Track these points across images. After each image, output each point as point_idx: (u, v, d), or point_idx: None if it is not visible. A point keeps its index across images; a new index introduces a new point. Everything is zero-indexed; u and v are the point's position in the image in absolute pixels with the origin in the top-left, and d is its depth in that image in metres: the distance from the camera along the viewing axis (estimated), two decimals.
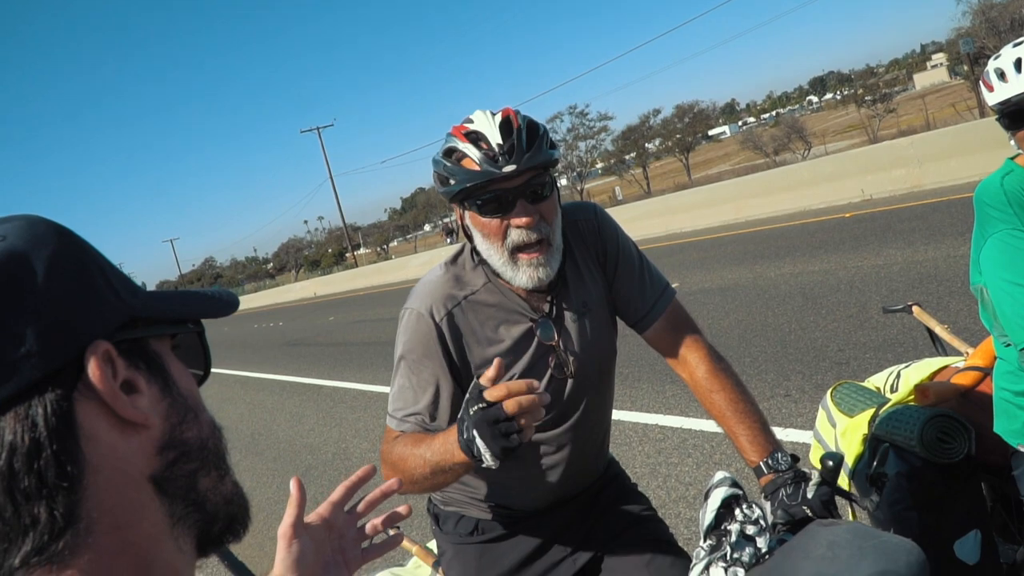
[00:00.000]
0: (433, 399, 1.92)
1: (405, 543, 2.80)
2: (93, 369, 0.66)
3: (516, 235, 1.87)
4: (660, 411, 6.46)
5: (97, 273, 0.71)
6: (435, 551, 2.53)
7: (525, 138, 1.84)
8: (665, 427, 6.06)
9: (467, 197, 1.89)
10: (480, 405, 1.53)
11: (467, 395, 1.59)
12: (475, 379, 1.60)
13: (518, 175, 1.83)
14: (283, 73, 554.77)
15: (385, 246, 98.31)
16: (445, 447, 1.68)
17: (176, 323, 0.79)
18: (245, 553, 6.48)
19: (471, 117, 1.92)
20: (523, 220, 1.85)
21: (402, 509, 1.43)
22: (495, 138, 1.83)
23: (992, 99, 2.36)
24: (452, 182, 1.88)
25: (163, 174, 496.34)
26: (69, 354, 0.65)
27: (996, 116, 2.38)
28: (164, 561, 0.69)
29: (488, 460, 1.54)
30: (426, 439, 1.77)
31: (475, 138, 1.85)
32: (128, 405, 0.68)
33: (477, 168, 1.83)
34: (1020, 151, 2.33)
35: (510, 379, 1.95)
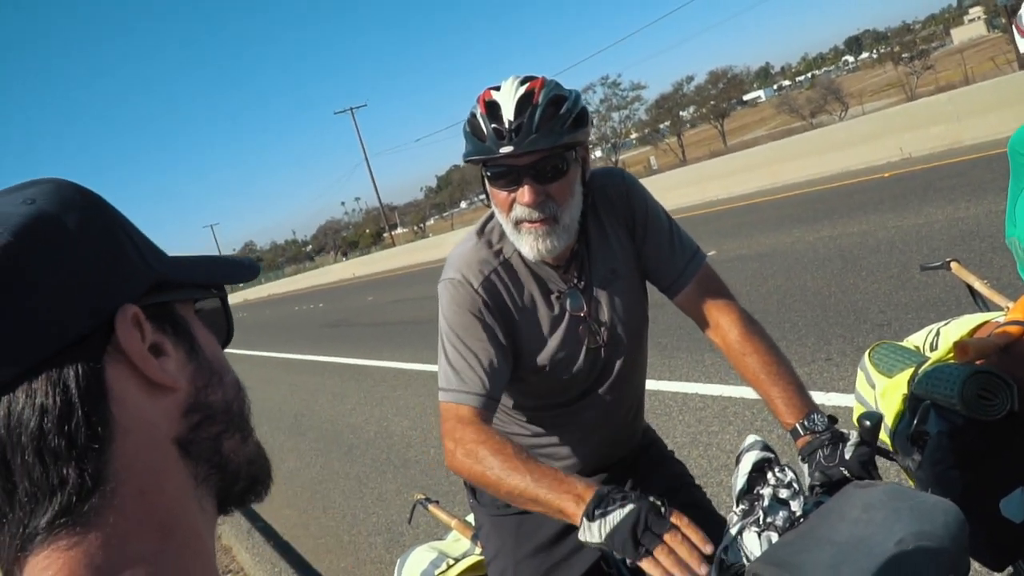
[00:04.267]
0: (485, 369, 1.87)
1: (444, 516, 2.82)
2: (123, 333, 0.66)
3: (519, 211, 1.85)
4: (700, 380, 6.42)
5: (124, 237, 0.71)
6: (473, 524, 2.54)
7: (538, 118, 1.79)
8: (705, 396, 6.02)
9: (481, 163, 1.88)
10: (649, 526, 1.43)
11: (643, 507, 1.46)
12: (663, 504, 1.49)
13: (522, 155, 1.80)
14: (317, 55, 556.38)
15: (422, 225, 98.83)
16: (559, 495, 1.55)
17: (201, 287, 0.80)
18: (290, 533, 6.58)
19: (497, 85, 1.89)
20: (525, 199, 1.82)
21: None
22: (508, 113, 1.79)
23: None
24: (467, 148, 1.89)
25: (203, 161, 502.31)
26: (99, 318, 0.66)
27: None
28: (187, 522, 0.69)
29: (597, 541, 1.46)
30: (534, 466, 1.64)
31: (491, 109, 1.82)
32: (157, 368, 0.68)
33: (482, 142, 1.82)
34: None
35: (543, 350, 1.97)
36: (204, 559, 0.70)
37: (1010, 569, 2.37)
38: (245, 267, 0.85)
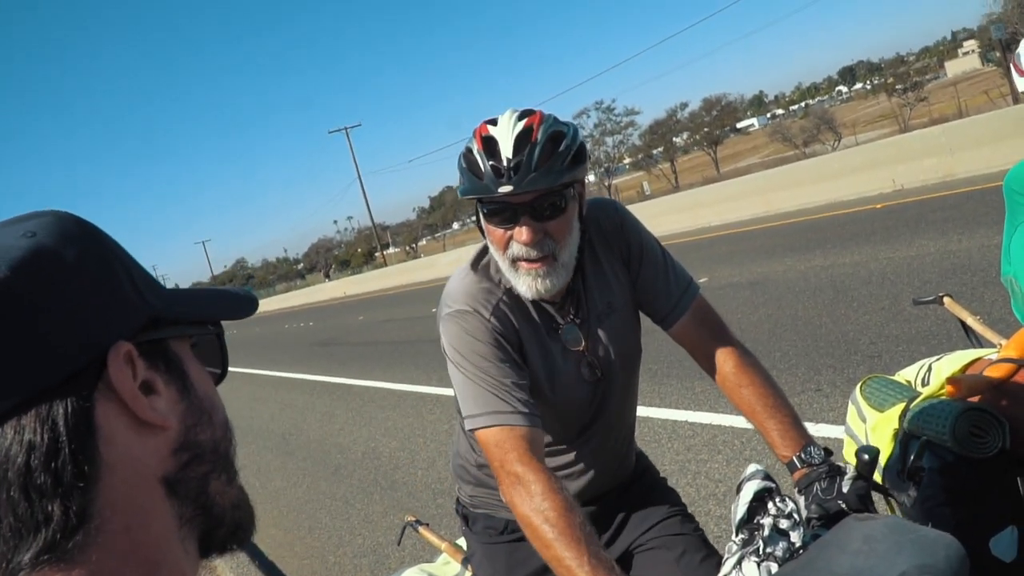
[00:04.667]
0: (520, 387, 1.81)
1: (434, 539, 2.81)
2: (115, 371, 0.66)
3: (516, 249, 1.82)
4: (689, 407, 6.41)
5: (122, 273, 0.71)
6: (464, 548, 2.53)
7: (537, 156, 1.76)
8: (695, 423, 6.01)
9: (476, 200, 1.86)
10: None
11: None
12: None
13: (520, 194, 1.77)
14: (311, 75, 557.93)
15: (414, 245, 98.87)
16: None
17: (197, 324, 0.79)
18: (275, 553, 6.54)
19: (497, 118, 1.86)
20: (523, 238, 1.80)
21: None
22: (506, 151, 1.76)
23: (1023, 84, 2.30)
24: (462, 183, 1.86)
25: (195, 178, 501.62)
26: (91, 355, 0.65)
27: None
28: (171, 562, 0.68)
29: None
30: (594, 549, 1.55)
31: (488, 145, 1.80)
32: (147, 407, 0.68)
33: (480, 180, 1.79)
34: None
35: (545, 383, 1.94)
36: None
37: None
38: (243, 303, 0.84)
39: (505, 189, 1.75)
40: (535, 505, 1.61)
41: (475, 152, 1.81)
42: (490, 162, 1.77)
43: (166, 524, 0.69)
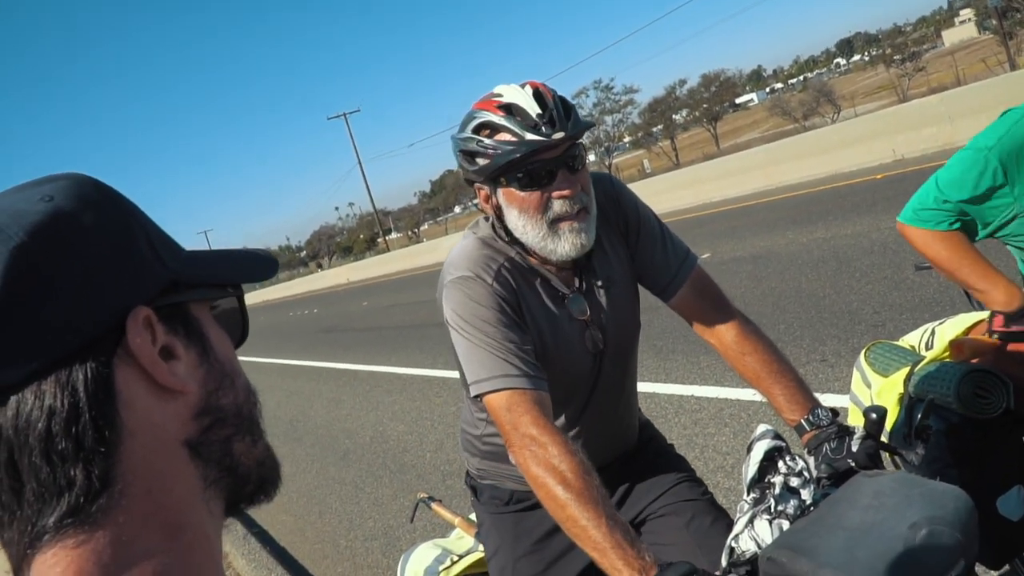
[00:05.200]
0: (524, 351, 1.79)
1: (447, 514, 2.83)
2: (134, 336, 0.66)
3: (559, 206, 1.83)
4: (695, 382, 6.41)
5: (141, 236, 0.71)
6: (476, 522, 2.55)
7: (563, 106, 1.81)
8: (701, 398, 6.02)
9: (504, 173, 1.84)
10: None
11: None
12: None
13: (558, 145, 1.79)
14: (310, 60, 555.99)
15: (416, 229, 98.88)
16: (624, 558, 1.45)
17: (216, 287, 0.79)
18: (286, 539, 6.57)
19: (496, 91, 1.87)
20: (567, 191, 1.82)
21: None
22: (533, 108, 1.78)
23: None
24: (486, 159, 1.83)
25: (196, 167, 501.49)
26: (111, 320, 0.65)
27: None
28: (194, 524, 0.69)
29: None
30: (611, 511, 1.54)
31: (511, 110, 1.80)
32: (167, 372, 0.68)
33: (517, 140, 1.77)
34: None
35: (549, 351, 1.94)
36: (211, 559, 0.70)
37: (1007, 567, 2.38)
38: (264, 263, 0.84)
39: (558, 136, 1.76)
40: (552, 466, 1.60)
41: (497, 120, 1.80)
42: (536, 111, 1.77)
43: (190, 487, 0.69)
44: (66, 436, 0.62)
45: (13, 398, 0.62)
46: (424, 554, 2.65)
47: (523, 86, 1.85)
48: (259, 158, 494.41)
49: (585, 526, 1.52)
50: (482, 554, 2.41)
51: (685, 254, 2.09)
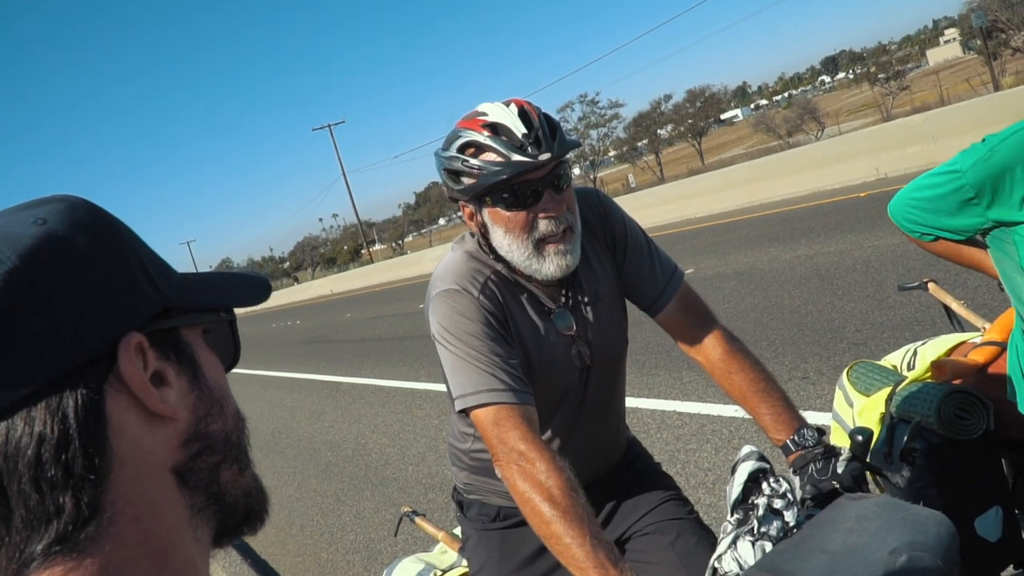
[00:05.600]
0: (511, 365, 1.78)
1: (431, 529, 2.82)
2: (126, 364, 0.65)
3: (544, 226, 1.83)
4: (677, 397, 6.43)
5: (134, 261, 0.70)
6: (460, 537, 2.54)
7: (549, 125, 1.80)
8: (683, 413, 6.03)
9: (489, 192, 1.83)
10: None
11: None
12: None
13: (544, 165, 1.78)
14: (293, 72, 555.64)
15: (400, 241, 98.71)
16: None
17: (209, 311, 0.78)
18: (267, 551, 6.53)
19: (481, 109, 1.86)
20: (552, 211, 1.81)
21: None
22: (519, 128, 1.77)
23: None
24: (471, 179, 1.82)
25: (179, 178, 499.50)
26: (103, 346, 0.64)
27: None
28: (182, 552, 0.68)
29: None
30: (595, 530, 1.55)
31: (497, 129, 1.79)
32: (158, 399, 0.67)
33: (503, 161, 1.77)
34: None
35: (532, 366, 1.94)
36: None
37: None
38: (257, 286, 0.83)
39: (544, 156, 1.75)
40: (539, 482, 1.60)
41: (482, 140, 1.80)
42: (521, 131, 1.77)
43: (177, 514, 0.69)
44: (56, 463, 0.61)
45: (2, 424, 0.61)
46: (407, 568, 2.64)
47: (508, 104, 1.83)
48: (243, 169, 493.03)
49: (569, 544, 1.52)
50: (466, 569, 2.40)
51: (672, 270, 2.09)
